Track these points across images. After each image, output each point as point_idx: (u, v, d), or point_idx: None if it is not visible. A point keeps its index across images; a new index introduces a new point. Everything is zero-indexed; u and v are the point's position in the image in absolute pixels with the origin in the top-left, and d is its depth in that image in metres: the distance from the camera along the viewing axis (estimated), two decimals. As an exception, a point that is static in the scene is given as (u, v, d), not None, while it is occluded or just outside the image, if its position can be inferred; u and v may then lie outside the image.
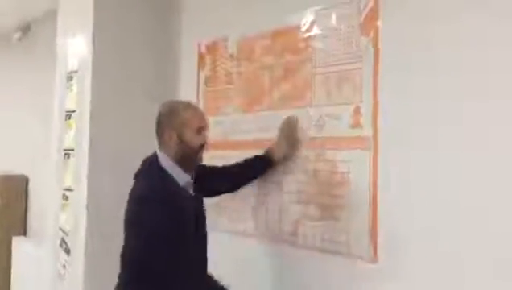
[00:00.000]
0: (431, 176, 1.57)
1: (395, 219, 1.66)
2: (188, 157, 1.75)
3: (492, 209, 1.43)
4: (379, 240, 1.70)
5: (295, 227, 2.00)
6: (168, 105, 1.82)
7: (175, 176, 1.72)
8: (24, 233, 4.40)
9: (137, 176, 1.80)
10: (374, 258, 1.71)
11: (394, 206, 1.67)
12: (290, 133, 2.02)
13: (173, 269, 1.61)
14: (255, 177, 2.10)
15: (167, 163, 1.73)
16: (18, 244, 4.20)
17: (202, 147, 1.78)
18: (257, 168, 2.07)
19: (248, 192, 2.19)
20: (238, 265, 2.25)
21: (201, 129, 1.76)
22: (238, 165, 2.07)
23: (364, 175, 1.75)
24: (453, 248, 1.51)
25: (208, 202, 2.38)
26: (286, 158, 2.03)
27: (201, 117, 1.80)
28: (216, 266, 2.36)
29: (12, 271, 4.21)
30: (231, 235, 2.29)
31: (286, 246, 2.02)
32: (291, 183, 2.02)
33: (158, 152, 1.78)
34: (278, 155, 2.02)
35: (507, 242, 1.40)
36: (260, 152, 2.09)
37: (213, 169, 2.05)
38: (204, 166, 1.93)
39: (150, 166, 1.77)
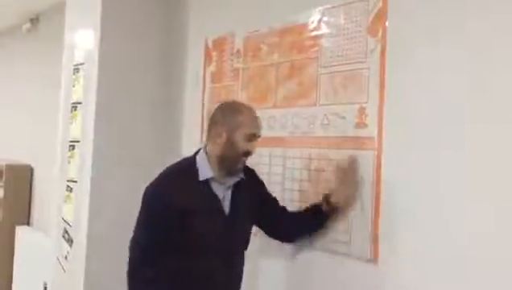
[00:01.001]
0: (434, 177, 1.57)
1: (397, 220, 1.66)
2: (229, 159, 1.69)
3: (495, 210, 1.42)
4: (381, 241, 1.70)
5: (296, 225, 1.99)
6: (231, 104, 1.80)
7: (198, 168, 1.70)
8: (28, 222, 4.43)
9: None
10: (375, 259, 1.71)
11: (396, 207, 1.67)
12: (351, 175, 1.81)
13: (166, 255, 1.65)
14: (316, 228, 1.90)
15: (200, 156, 1.73)
16: (22, 233, 4.22)
17: (247, 154, 1.72)
18: (317, 218, 1.86)
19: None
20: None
21: (253, 136, 1.71)
22: (303, 213, 1.90)
23: (367, 175, 1.75)
24: (455, 250, 1.50)
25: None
26: (347, 203, 1.81)
27: (258, 125, 1.74)
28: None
29: (15, 260, 4.24)
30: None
31: (287, 245, 2.02)
32: (293, 181, 2.02)
33: (202, 146, 1.78)
34: (338, 200, 1.81)
35: (509, 242, 1.39)
36: (264, 150, 2.09)
37: (283, 209, 1.94)
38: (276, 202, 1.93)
39: (187, 157, 1.79)
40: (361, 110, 1.79)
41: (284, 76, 2.11)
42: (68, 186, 2.71)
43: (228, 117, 1.69)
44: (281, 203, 1.99)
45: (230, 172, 1.73)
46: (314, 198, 1.91)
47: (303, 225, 1.90)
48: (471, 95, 1.50)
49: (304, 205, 1.93)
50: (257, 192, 1.87)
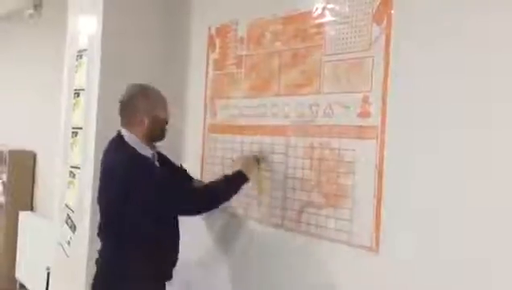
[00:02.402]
0: (437, 167, 1.56)
1: (399, 209, 1.66)
2: (156, 133, 2.00)
3: (497, 205, 1.42)
4: (382, 230, 1.70)
5: (298, 214, 2.00)
6: (138, 89, 2.00)
7: (138, 149, 1.93)
8: (31, 208, 4.46)
9: (106, 155, 2.01)
10: (376, 248, 1.71)
11: (398, 197, 1.66)
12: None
13: (158, 231, 1.97)
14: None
15: (130, 139, 1.95)
16: (25, 219, 4.25)
17: (167, 122, 2.03)
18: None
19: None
20: (241, 250, 2.27)
21: (167, 106, 2.03)
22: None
23: (370, 164, 1.75)
24: (456, 241, 1.50)
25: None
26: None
27: (163, 96, 2.04)
28: (218, 249, 2.39)
29: (18, 245, 4.27)
30: (234, 219, 2.30)
31: (289, 233, 2.03)
32: (296, 170, 2.02)
33: (123, 132, 1.98)
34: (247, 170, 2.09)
35: (507, 236, 1.39)
36: (266, 138, 2.11)
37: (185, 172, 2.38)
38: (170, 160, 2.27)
39: (117, 144, 1.97)
40: (365, 99, 1.78)
41: (287, 63, 2.09)
42: (70, 172, 2.72)
43: (145, 101, 1.96)
44: (283, 191, 2.00)
45: (158, 140, 2.06)
46: (318, 187, 1.92)
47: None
48: (476, 85, 1.49)
49: (308, 193, 1.94)
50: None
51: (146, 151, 1.97)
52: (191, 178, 2.41)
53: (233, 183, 2.04)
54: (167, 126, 2.05)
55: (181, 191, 2.00)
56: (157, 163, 2.05)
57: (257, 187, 2.16)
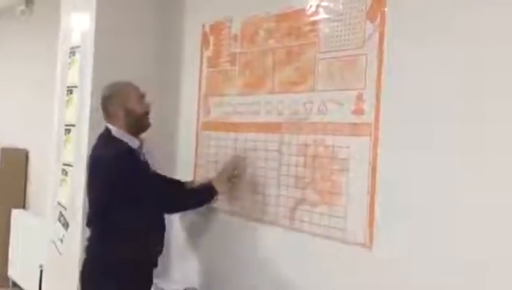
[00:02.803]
0: (430, 164, 1.57)
1: (393, 206, 1.66)
2: (136, 123, 2.10)
3: (491, 202, 1.43)
4: (376, 227, 1.70)
5: (292, 212, 2.00)
6: (110, 87, 2.14)
7: (126, 141, 2.06)
8: (23, 206, 4.44)
9: (95, 149, 2.13)
10: (370, 245, 1.72)
11: (392, 194, 1.67)
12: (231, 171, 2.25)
13: (142, 220, 2.05)
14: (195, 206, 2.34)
15: (117, 133, 2.07)
16: (18, 217, 4.23)
17: (147, 113, 2.13)
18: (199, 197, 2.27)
19: (246, 174, 2.20)
20: (235, 247, 2.27)
21: (141, 97, 2.12)
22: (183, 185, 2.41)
23: (364, 162, 1.75)
24: (449, 238, 1.51)
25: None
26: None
27: (137, 88, 2.14)
28: (213, 246, 2.39)
29: (10, 243, 4.25)
30: (228, 216, 2.30)
31: (283, 230, 2.03)
32: (289, 167, 2.03)
33: (109, 126, 2.10)
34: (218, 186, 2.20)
35: (504, 235, 1.40)
36: (260, 135, 2.12)
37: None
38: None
39: (106, 138, 2.09)
40: (359, 97, 1.78)
41: (281, 61, 2.09)
42: (63, 170, 2.71)
43: (116, 95, 2.09)
44: (277, 189, 2.01)
45: (143, 130, 2.15)
46: (312, 184, 1.92)
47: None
48: (469, 82, 1.50)
49: (302, 190, 1.94)
50: None
51: (133, 142, 2.08)
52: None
53: (202, 196, 2.22)
54: (148, 116, 2.14)
55: (155, 191, 2.11)
56: (143, 154, 2.15)
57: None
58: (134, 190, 2.00)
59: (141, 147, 2.14)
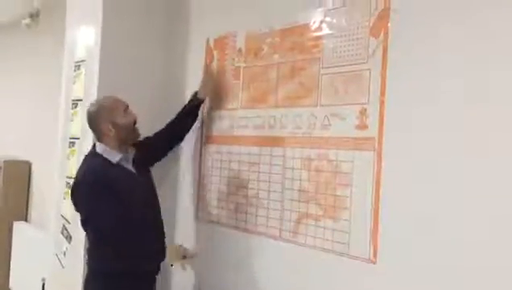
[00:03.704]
0: (434, 179, 1.58)
1: (397, 221, 1.66)
2: (126, 136, 2.09)
3: (495, 212, 1.43)
4: (380, 242, 1.71)
5: (296, 226, 2.00)
6: (93, 105, 2.13)
7: (106, 156, 2.05)
8: (26, 218, 4.43)
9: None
10: (374, 260, 1.72)
11: (396, 208, 1.67)
12: (212, 76, 2.44)
13: (120, 230, 1.97)
14: (193, 122, 2.46)
15: (100, 148, 2.07)
16: (20, 229, 4.22)
17: (135, 123, 2.11)
18: (189, 115, 2.43)
19: (249, 187, 2.20)
20: (238, 260, 2.26)
21: (126, 109, 2.10)
22: (172, 121, 2.44)
23: (367, 176, 1.76)
24: (455, 253, 1.51)
25: (207, 196, 2.41)
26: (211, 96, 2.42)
27: (119, 100, 2.12)
28: (216, 260, 2.39)
29: (12, 256, 4.24)
30: (231, 230, 2.30)
31: (287, 244, 2.03)
32: (293, 181, 2.03)
33: (96, 144, 2.11)
34: (203, 94, 2.40)
35: (508, 246, 1.40)
36: (265, 149, 2.12)
37: (150, 138, 2.37)
38: (141, 141, 2.25)
39: (88, 155, 2.12)
40: (362, 112, 1.79)
41: (285, 76, 2.11)
42: (67, 183, 2.71)
43: (100, 113, 2.07)
44: (280, 203, 2.01)
45: (133, 141, 2.15)
46: (315, 198, 1.93)
47: (177, 131, 2.46)
48: (471, 97, 1.51)
49: (306, 204, 1.95)
50: (141, 156, 2.21)
51: (113, 156, 2.06)
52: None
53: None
54: (136, 126, 2.13)
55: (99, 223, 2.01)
56: (129, 164, 2.13)
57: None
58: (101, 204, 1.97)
59: (127, 158, 2.12)
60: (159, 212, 2.23)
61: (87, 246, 2.14)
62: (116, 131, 2.06)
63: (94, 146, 2.12)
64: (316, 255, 1.92)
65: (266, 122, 2.17)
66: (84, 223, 2.04)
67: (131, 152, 2.15)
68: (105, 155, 2.06)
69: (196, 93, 2.41)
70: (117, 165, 2.07)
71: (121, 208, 1.96)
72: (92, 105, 2.16)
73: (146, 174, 2.25)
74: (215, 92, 2.43)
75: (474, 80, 1.51)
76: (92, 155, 2.09)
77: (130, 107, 2.13)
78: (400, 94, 1.69)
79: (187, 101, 2.45)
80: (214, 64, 2.48)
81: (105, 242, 2.01)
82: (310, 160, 1.97)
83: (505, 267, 1.40)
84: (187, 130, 2.48)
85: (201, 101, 2.41)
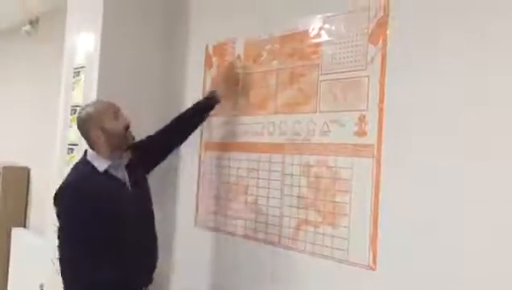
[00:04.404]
0: (433, 186, 1.58)
1: (396, 228, 1.66)
2: (118, 142, 1.97)
3: (495, 218, 1.44)
4: (379, 248, 1.70)
5: (295, 232, 2.00)
6: (81, 111, 2.03)
7: (94, 163, 1.94)
8: (24, 224, 4.42)
9: None
10: (373, 266, 1.71)
11: (395, 215, 1.67)
12: (228, 74, 2.34)
13: (96, 247, 1.83)
14: (199, 123, 2.37)
15: (90, 155, 1.97)
16: (18, 235, 4.21)
17: (126, 127, 1.99)
18: (200, 114, 2.34)
19: (248, 193, 2.20)
20: (236, 267, 2.26)
21: (116, 113, 1.99)
22: (180, 117, 2.32)
23: (366, 183, 1.76)
24: (454, 258, 1.51)
25: (206, 202, 2.41)
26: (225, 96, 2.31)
27: (110, 104, 2.01)
28: (215, 266, 2.38)
29: (11, 262, 4.22)
30: (230, 237, 2.30)
31: (286, 250, 2.03)
32: (292, 187, 2.03)
33: (88, 150, 2.00)
34: (219, 95, 2.29)
35: (508, 252, 1.40)
36: (264, 155, 2.11)
37: (151, 136, 2.27)
38: (140, 141, 2.17)
39: (78, 162, 2.02)
40: (361, 118, 1.80)
41: (284, 82, 2.11)
42: (66, 189, 2.70)
43: (89, 119, 1.96)
44: (280, 209, 2.01)
45: (126, 145, 2.02)
46: (314, 204, 1.93)
47: (183, 128, 2.34)
48: (470, 103, 1.51)
49: (305, 210, 1.95)
50: (142, 159, 2.13)
51: (101, 164, 1.94)
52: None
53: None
54: (129, 130, 2.01)
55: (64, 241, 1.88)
56: (121, 171, 1.99)
57: None
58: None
59: (116, 164, 1.98)
60: (151, 224, 2.10)
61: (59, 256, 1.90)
62: (106, 137, 1.94)
63: (86, 152, 2.02)
64: (315, 262, 1.91)
65: (266, 129, 2.18)
66: (59, 236, 1.88)
67: (126, 157, 2.03)
68: (93, 163, 1.95)
69: (213, 92, 2.31)
70: (105, 174, 1.94)
71: (99, 222, 1.82)
72: (80, 111, 2.05)
73: (141, 182, 2.11)
74: (234, 94, 2.34)
75: (473, 87, 1.51)
76: (82, 162, 1.99)
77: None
78: (399, 101, 1.70)
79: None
80: (237, 63, 2.38)
81: (80, 257, 1.85)
82: (309, 167, 1.97)
83: (506, 274, 1.40)
84: (192, 131, 2.36)
85: (218, 102, 2.30)
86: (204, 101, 2.32)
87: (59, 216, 1.88)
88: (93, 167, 1.94)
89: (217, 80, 2.39)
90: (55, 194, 1.89)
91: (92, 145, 1.98)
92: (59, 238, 1.88)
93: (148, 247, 2.07)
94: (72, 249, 1.86)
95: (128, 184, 2.00)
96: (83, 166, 1.97)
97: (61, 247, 1.87)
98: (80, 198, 1.85)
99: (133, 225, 1.95)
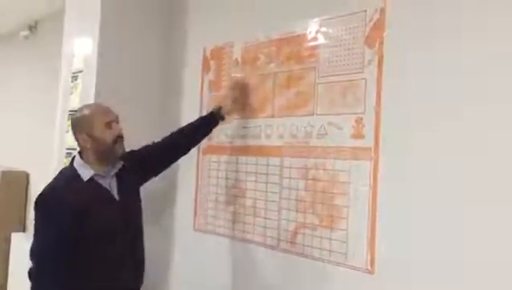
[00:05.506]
0: (431, 187, 1.58)
1: (394, 231, 1.66)
2: (105, 152, 1.85)
3: (494, 221, 1.43)
4: (377, 251, 1.70)
5: (293, 235, 2.00)
6: (77, 112, 1.93)
7: (79, 171, 1.82)
8: (23, 229, 4.41)
9: None
10: (371, 269, 1.71)
11: (393, 218, 1.67)
12: (238, 93, 2.27)
13: (75, 261, 1.73)
14: (203, 137, 2.30)
15: (76, 161, 1.86)
16: (17, 240, 4.20)
17: (118, 138, 1.86)
18: (204, 129, 2.27)
19: (247, 196, 2.20)
20: (235, 270, 2.26)
21: (110, 123, 1.85)
22: (182, 132, 2.24)
23: (364, 185, 1.76)
24: (452, 261, 1.51)
25: (205, 205, 2.40)
26: (232, 114, 2.29)
27: (106, 111, 1.89)
28: (214, 270, 2.38)
29: (10, 267, 4.22)
30: (229, 240, 2.30)
31: (284, 254, 2.03)
32: (290, 190, 2.03)
33: (76, 156, 1.89)
34: (226, 112, 2.24)
35: (507, 255, 1.40)
36: (262, 159, 2.11)
37: (150, 146, 2.18)
38: (138, 150, 2.12)
39: (64, 167, 1.94)
40: (358, 121, 1.80)
41: (282, 85, 2.12)
42: (64, 193, 2.70)
43: (79, 122, 1.86)
44: (278, 212, 2.00)
45: (114, 161, 1.89)
46: (312, 208, 1.92)
47: (187, 142, 2.26)
48: (467, 106, 1.51)
49: (303, 214, 1.94)
50: (138, 168, 2.03)
51: (86, 172, 1.82)
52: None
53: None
54: (121, 141, 1.88)
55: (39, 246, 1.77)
56: (109, 180, 1.88)
57: None
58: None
59: (103, 172, 1.86)
60: (138, 237, 1.97)
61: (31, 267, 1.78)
62: (92, 144, 1.83)
63: (73, 158, 1.90)
64: (314, 265, 1.91)
65: (263, 132, 2.18)
66: (33, 242, 1.78)
67: (117, 166, 1.92)
68: (78, 170, 1.83)
69: (219, 108, 2.24)
70: (90, 181, 1.82)
71: (75, 231, 1.72)
72: (77, 110, 1.98)
73: (131, 191, 1.98)
74: (242, 108, 2.29)
75: (470, 88, 1.51)
76: (68, 168, 1.88)
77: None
78: (396, 104, 1.70)
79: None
80: (242, 76, 2.32)
81: (52, 267, 1.74)
82: (307, 170, 1.97)
83: (506, 276, 1.40)
84: (194, 145, 2.30)
85: (223, 119, 2.25)
86: (209, 117, 2.26)
87: (36, 221, 1.79)
88: (77, 175, 1.82)
89: (227, 96, 2.31)
90: (35, 199, 1.79)
91: (81, 149, 1.88)
92: (32, 245, 1.77)
93: (131, 259, 1.91)
94: (44, 257, 1.75)
95: (114, 192, 1.88)
96: (67, 172, 1.86)
97: (32, 253, 1.77)
98: (59, 205, 1.74)
99: (114, 237, 1.83)
